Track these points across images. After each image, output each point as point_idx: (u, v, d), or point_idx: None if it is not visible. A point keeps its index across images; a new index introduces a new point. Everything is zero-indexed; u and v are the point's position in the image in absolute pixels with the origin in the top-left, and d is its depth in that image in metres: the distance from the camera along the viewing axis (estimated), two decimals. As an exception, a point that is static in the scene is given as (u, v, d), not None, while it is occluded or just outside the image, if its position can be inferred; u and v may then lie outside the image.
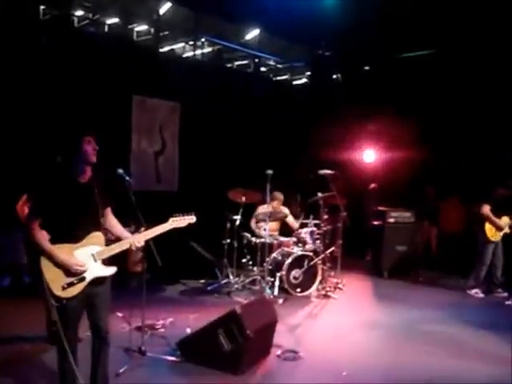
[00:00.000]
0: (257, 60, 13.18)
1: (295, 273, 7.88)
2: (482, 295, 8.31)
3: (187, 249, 9.03)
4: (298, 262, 7.91)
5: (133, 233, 4.14)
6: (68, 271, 3.63)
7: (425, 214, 10.53)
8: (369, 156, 12.56)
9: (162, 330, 5.99)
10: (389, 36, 11.02)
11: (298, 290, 7.88)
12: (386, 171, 11.82)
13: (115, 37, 11.35)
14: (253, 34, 12.83)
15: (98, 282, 3.79)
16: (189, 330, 5.56)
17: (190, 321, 6.21)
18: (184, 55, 12.86)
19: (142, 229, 4.14)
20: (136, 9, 11.83)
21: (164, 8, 11.06)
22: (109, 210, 4.07)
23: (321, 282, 8.21)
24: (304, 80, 14.87)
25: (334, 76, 13.78)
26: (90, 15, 11.27)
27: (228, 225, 8.29)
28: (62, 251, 3.64)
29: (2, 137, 7.53)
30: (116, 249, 3.85)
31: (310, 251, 8.19)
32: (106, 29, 11.64)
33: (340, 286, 8.51)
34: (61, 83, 8.12)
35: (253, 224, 8.78)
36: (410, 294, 8.51)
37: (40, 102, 7.88)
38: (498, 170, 9.10)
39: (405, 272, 9.59)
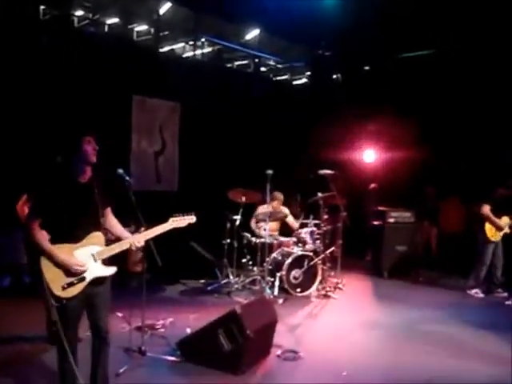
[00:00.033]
0: (257, 60, 13.18)
1: (295, 273, 7.88)
2: (482, 295, 8.31)
3: (187, 249, 9.04)
4: (298, 261, 7.91)
5: (133, 233, 4.14)
6: (68, 271, 3.63)
7: (425, 214, 10.53)
8: (369, 156, 12.56)
9: (162, 330, 5.99)
10: (389, 36, 11.02)
11: (298, 290, 7.88)
12: (386, 171, 11.82)
13: (115, 37, 11.35)
14: (253, 34, 12.83)
15: (98, 281, 3.79)
16: (189, 330, 5.56)
17: (190, 321, 6.21)
18: (184, 55, 12.86)
19: (142, 229, 4.13)
20: (136, 9, 11.83)
21: (164, 8, 11.06)
22: (109, 210, 4.06)
23: (321, 282, 8.21)
24: (304, 80, 14.87)
25: (334, 76, 13.78)
26: (90, 15, 11.27)
27: (228, 225, 8.29)
28: (61, 251, 3.63)
29: (2, 137, 7.53)
30: (116, 249, 3.85)
31: (310, 251, 8.19)
32: (106, 29, 11.64)
33: (340, 286, 8.51)
34: (61, 83, 8.12)
35: (253, 224, 8.78)
36: (410, 294, 8.51)
37: (40, 102, 7.88)
38: (498, 170, 9.10)
39: (405, 272, 9.59)
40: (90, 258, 3.74)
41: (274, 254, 8.14)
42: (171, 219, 4.12)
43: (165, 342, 5.55)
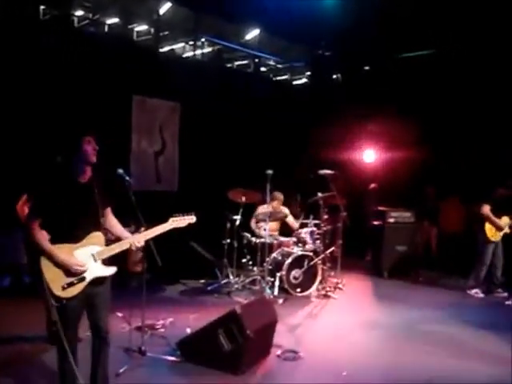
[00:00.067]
0: (257, 60, 13.18)
1: (295, 273, 7.88)
2: (482, 295, 8.31)
3: (187, 249, 9.04)
4: (297, 261, 7.91)
5: (133, 233, 4.14)
6: (68, 271, 3.63)
7: (425, 214, 10.53)
8: (369, 156, 12.56)
9: (162, 330, 5.99)
10: (389, 36, 11.02)
11: (298, 290, 7.88)
12: (386, 171, 11.82)
13: (115, 37, 11.36)
14: (253, 34, 12.84)
15: (98, 281, 3.78)
16: (189, 330, 5.56)
17: (190, 321, 6.21)
18: (184, 55, 12.87)
19: (142, 229, 4.13)
20: (136, 9, 11.84)
21: (164, 8, 11.06)
22: (109, 210, 4.06)
23: (321, 282, 8.21)
24: (304, 80, 14.88)
25: (334, 76, 13.78)
26: (90, 15, 11.28)
27: (228, 225, 8.29)
28: (61, 251, 3.63)
29: (2, 137, 7.53)
30: (116, 249, 3.85)
31: (310, 251, 8.19)
32: (106, 29, 11.65)
33: (340, 286, 8.51)
34: (61, 83, 8.12)
35: (253, 224, 8.78)
36: (410, 294, 8.51)
37: (40, 102, 7.88)
38: (498, 170, 9.10)
39: (405, 272, 9.59)
40: (90, 257, 3.74)
41: (274, 254, 8.14)
42: (171, 219, 4.12)
43: (165, 342, 5.55)
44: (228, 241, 8.26)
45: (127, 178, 4.55)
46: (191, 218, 4.20)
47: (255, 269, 8.22)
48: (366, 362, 5.34)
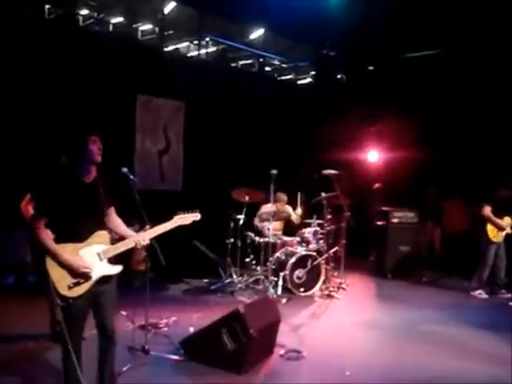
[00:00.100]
0: (261, 59, 13.17)
1: (299, 272, 7.89)
2: (485, 296, 8.30)
3: (191, 248, 9.03)
4: (301, 261, 7.91)
5: (137, 232, 4.15)
6: (73, 271, 3.63)
7: (428, 215, 10.52)
8: (373, 156, 12.55)
9: (166, 328, 6.01)
10: (393, 36, 11.00)
11: (302, 289, 7.89)
12: (390, 171, 11.81)
13: (120, 36, 11.36)
14: (257, 33, 12.82)
15: (104, 280, 3.78)
16: (192, 329, 5.58)
17: (194, 320, 6.20)
18: (188, 54, 12.87)
19: (147, 227, 4.12)
20: (141, 8, 11.84)
21: (169, 7, 11.06)
22: (112, 210, 4.06)
23: (324, 282, 8.21)
24: (308, 80, 14.86)
25: (339, 76, 13.76)
26: (95, 14, 11.28)
27: (232, 224, 8.30)
28: (66, 251, 3.63)
29: (7, 136, 7.55)
30: (121, 247, 3.85)
31: (314, 251, 8.20)
32: (111, 28, 11.66)
33: (343, 285, 8.51)
34: (66, 82, 8.14)
35: (257, 221, 8.78)
36: (414, 295, 8.51)
37: (45, 101, 7.90)
38: (501, 171, 9.08)
39: (408, 272, 9.59)
40: (95, 256, 3.74)
41: (277, 254, 8.15)
42: (176, 217, 4.12)
43: (168, 340, 5.57)
44: (232, 240, 8.28)
45: (131, 177, 4.56)
46: (196, 216, 4.21)
47: (259, 268, 8.23)
48: (369, 361, 5.34)
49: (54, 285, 3.59)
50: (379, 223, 10.03)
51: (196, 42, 12.18)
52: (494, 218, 8.13)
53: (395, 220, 9.79)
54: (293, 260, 7.83)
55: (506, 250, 8.27)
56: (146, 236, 3.97)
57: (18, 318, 6.14)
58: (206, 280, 8.64)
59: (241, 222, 8.29)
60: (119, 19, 11.87)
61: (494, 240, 8.16)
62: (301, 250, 8.12)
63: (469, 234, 9.40)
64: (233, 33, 12.47)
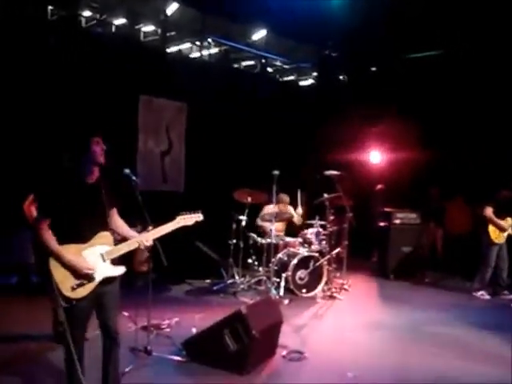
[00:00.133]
0: (263, 60, 13.17)
1: (301, 273, 7.88)
2: (488, 297, 8.28)
3: (193, 249, 9.04)
4: (303, 262, 7.91)
5: (139, 232, 4.14)
6: (76, 272, 3.62)
7: (430, 215, 10.51)
8: (375, 157, 12.53)
9: (168, 329, 6.01)
10: (395, 36, 11.00)
11: (304, 290, 7.88)
12: (393, 172, 11.80)
13: (122, 37, 11.39)
14: (260, 34, 12.83)
15: (107, 281, 3.78)
16: (194, 330, 5.58)
17: (196, 321, 6.21)
18: (191, 55, 12.88)
19: (150, 228, 4.10)
20: (143, 9, 11.87)
21: (171, 8, 11.07)
22: (114, 211, 4.05)
23: (326, 283, 8.21)
24: (311, 81, 14.87)
25: (341, 77, 13.76)
26: (98, 16, 11.31)
27: (234, 225, 8.30)
28: (69, 251, 3.63)
29: (10, 137, 7.57)
30: (124, 248, 3.85)
31: (316, 252, 8.19)
32: (114, 29, 11.69)
33: (345, 286, 8.50)
34: (68, 83, 8.16)
35: (259, 222, 8.78)
36: (416, 296, 8.50)
37: (47, 102, 7.92)
38: (504, 171, 9.06)
39: (410, 273, 9.58)
40: (98, 257, 3.74)
41: (279, 255, 8.15)
42: (178, 217, 4.11)
43: (170, 341, 5.57)
44: (234, 241, 8.27)
45: (134, 177, 4.55)
46: (198, 216, 4.21)
47: (261, 269, 8.23)
48: (370, 362, 5.33)
49: (57, 286, 3.59)
50: (381, 224, 10.02)
51: (198, 43, 12.20)
52: (495, 219, 8.12)
53: (397, 221, 9.78)
54: (295, 261, 7.82)
55: (508, 250, 8.26)
56: (149, 237, 3.97)
57: (20, 319, 6.16)
58: (209, 281, 8.64)
59: (243, 222, 8.29)
60: (122, 20, 11.90)
61: (496, 241, 8.15)
62: (303, 251, 8.11)
63: (471, 234, 9.40)
64: (235, 34, 12.49)
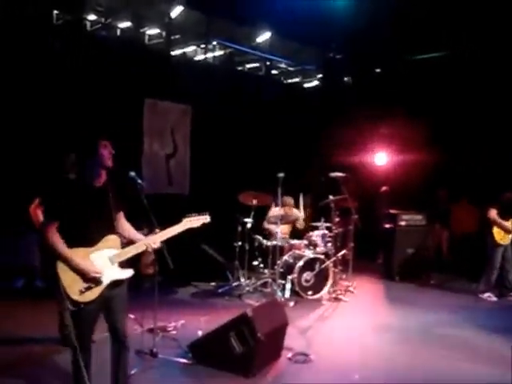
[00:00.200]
0: (268, 63, 13.21)
1: (306, 275, 7.88)
2: (494, 299, 8.25)
3: (199, 251, 9.03)
4: (309, 264, 7.90)
5: (146, 235, 4.15)
6: (84, 275, 3.62)
7: (436, 217, 10.49)
8: (380, 158, 12.52)
9: (174, 332, 6.01)
10: (400, 38, 11.00)
11: (310, 292, 7.87)
12: (398, 174, 11.78)
13: (127, 40, 11.44)
14: (264, 36, 12.86)
15: (115, 284, 3.78)
16: (200, 333, 5.58)
17: (202, 323, 6.21)
18: (195, 58, 12.94)
19: (157, 230, 4.10)
20: (148, 13, 11.92)
21: (176, 11, 11.12)
22: (121, 215, 4.05)
23: (332, 285, 8.19)
24: (315, 83, 14.89)
25: (346, 78, 13.76)
26: (103, 19, 11.37)
27: (239, 227, 8.29)
28: (77, 255, 3.63)
29: (15, 140, 7.60)
30: (132, 251, 3.85)
31: (322, 254, 8.19)
32: (118, 32, 11.74)
33: (351, 288, 8.48)
34: (74, 87, 8.19)
35: (265, 224, 8.78)
36: (422, 297, 8.47)
37: (53, 106, 7.95)
38: (509, 173, 9.04)
39: (416, 275, 9.55)
40: (106, 261, 3.73)
41: (285, 257, 8.14)
42: (185, 219, 4.08)
43: (176, 344, 5.57)
44: (239, 243, 8.27)
45: (139, 180, 4.56)
46: (205, 218, 4.16)
47: (266, 271, 8.22)
48: (376, 365, 5.32)
49: (65, 289, 3.59)
50: (387, 226, 10.00)
51: (203, 45, 12.25)
52: (500, 221, 8.09)
53: (403, 223, 9.76)
54: (301, 263, 7.82)
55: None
56: (156, 239, 3.97)
57: (26, 322, 6.17)
58: (214, 283, 8.64)
59: (248, 225, 8.29)
60: (126, 24, 11.95)
61: (501, 242, 8.13)
62: (309, 253, 8.10)
63: (476, 236, 9.36)
64: (239, 36, 12.52)
